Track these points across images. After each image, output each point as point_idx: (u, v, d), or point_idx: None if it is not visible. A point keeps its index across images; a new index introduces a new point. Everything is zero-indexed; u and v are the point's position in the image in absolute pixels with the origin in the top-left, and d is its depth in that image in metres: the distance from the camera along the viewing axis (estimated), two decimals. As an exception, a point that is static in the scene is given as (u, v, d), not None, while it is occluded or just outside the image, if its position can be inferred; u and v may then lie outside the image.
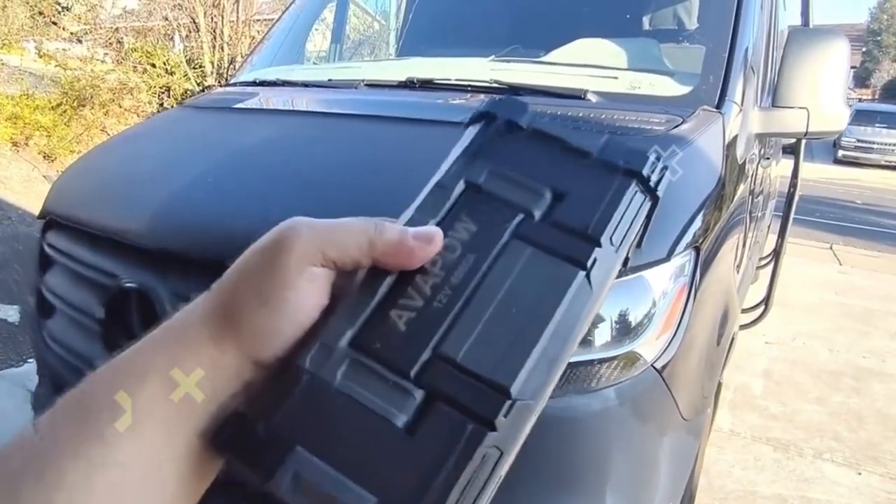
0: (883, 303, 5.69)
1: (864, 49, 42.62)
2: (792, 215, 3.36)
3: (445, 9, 3.23)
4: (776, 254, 3.55)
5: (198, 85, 8.94)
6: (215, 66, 9.24)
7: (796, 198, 3.35)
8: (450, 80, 2.13)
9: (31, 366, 3.33)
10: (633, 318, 1.33)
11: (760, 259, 4.65)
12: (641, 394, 1.36)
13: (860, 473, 3.02)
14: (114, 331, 1.47)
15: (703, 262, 1.50)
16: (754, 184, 2.47)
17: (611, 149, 0.49)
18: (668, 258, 1.36)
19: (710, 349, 1.67)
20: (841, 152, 20.36)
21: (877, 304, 5.65)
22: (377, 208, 1.49)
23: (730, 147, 1.80)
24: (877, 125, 20.31)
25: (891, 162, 19.81)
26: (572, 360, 1.26)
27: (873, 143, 19.96)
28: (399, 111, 2.00)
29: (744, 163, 2.02)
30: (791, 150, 3.63)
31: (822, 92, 1.96)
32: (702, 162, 1.62)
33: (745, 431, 3.29)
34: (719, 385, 2.19)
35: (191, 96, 6.70)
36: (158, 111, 8.35)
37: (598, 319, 1.30)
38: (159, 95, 9.24)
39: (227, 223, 1.47)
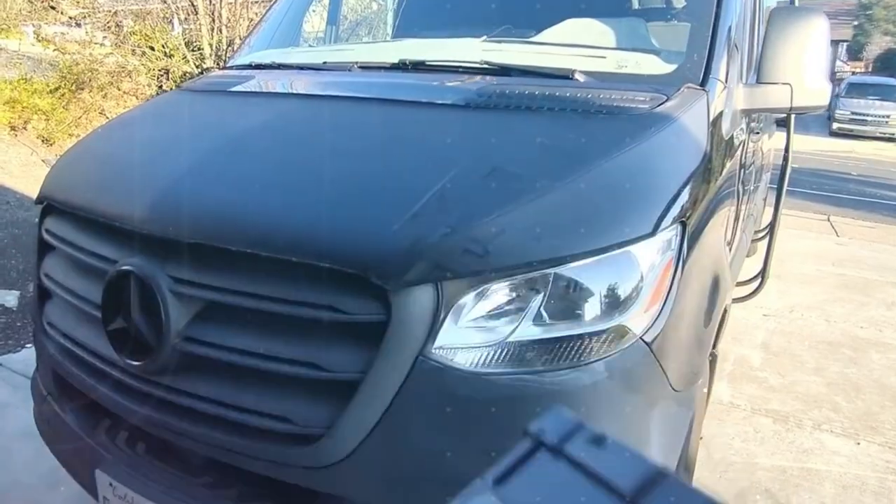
0: (880, 273, 5.73)
1: (855, 23, 42.25)
2: (785, 188, 3.38)
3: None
4: (771, 227, 3.57)
5: (196, 67, 8.94)
6: (214, 48, 9.23)
7: (789, 171, 3.37)
8: (441, 61, 2.15)
9: (28, 351, 3.36)
10: (622, 292, 1.36)
11: (756, 232, 4.67)
12: (631, 366, 1.39)
13: (859, 443, 3.04)
14: (112, 315, 1.50)
15: (691, 236, 1.53)
16: (744, 157, 2.49)
17: (653, 495, 0.38)
18: (653, 233, 1.39)
19: (700, 321, 1.70)
20: (836, 125, 20.38)
21: (874, 274, 5.68)
22: (367, 189, 1.52)
23: (715, 123, 1.83)
24: (870, 97, 20.33)
25: (885, 133, 19.84)
26: (562, 335, 1.31)
27: (867, 115, 19.97)
28: (391, 93, 2.02)
29: (731, 138, 2.05)
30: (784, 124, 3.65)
31: (805, 67, 1.99)
32: (686, 138, 1.65)
33: (745, 404, 3.32)
34: (715, 357, 2.22)
35: (189, 79, 6.71)
36: (157, 94, 8.35)
37: (588, 294, 1.33)
38: (158, 78, 9.23)
39: (222, 207, 1.50)
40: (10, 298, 4.05)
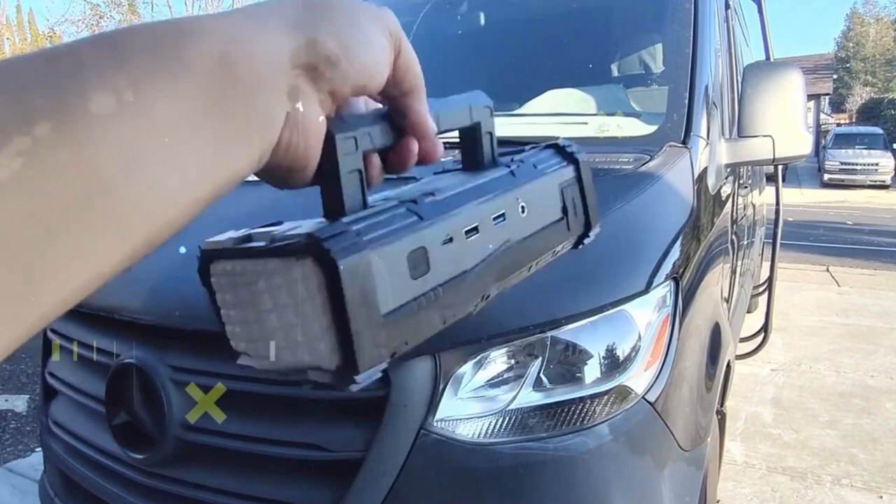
0: (885, 320, 5.69)
1: (834, 76, 43.38)
2: (779, 240, 3.40)
3: (423, 67, 3.31)
4: (769, 281, 3.57)
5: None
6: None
7: (780, 223, 3.39)
8: None
9: (37, 456, 3.31)
10: (620, 352, 1.35)
11: (755, 287, 4.66)
12: (635, 427, 1.37)
13: (881, 497, 2.95)
14: (115, 409, 1.49)
15: (686, 292, 1.53)
16: (735, 212, 2.51)
17: None
18: (646, 290, 1.39)
19: (702, 378, 1.69)
20: (827, 176, 20.65)
21: (879, 321, 5.65)
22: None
23: (700, 178, 1.86)
24: (857, 147, 20.70)
25: (876, 181, 20.12)
26: (563, 399, 1.30)
27: (857, 164, 20.28)
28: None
29: (718, 192, 2.07)
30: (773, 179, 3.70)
31: (783, 119, 2.03)
32: (673, 194, 1.67)
33: (760, 462, 3.25)
34: (724, 415, 2.19)
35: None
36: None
37: (586, 356, 1.33)
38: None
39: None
40: (20, 403, 4.02)
